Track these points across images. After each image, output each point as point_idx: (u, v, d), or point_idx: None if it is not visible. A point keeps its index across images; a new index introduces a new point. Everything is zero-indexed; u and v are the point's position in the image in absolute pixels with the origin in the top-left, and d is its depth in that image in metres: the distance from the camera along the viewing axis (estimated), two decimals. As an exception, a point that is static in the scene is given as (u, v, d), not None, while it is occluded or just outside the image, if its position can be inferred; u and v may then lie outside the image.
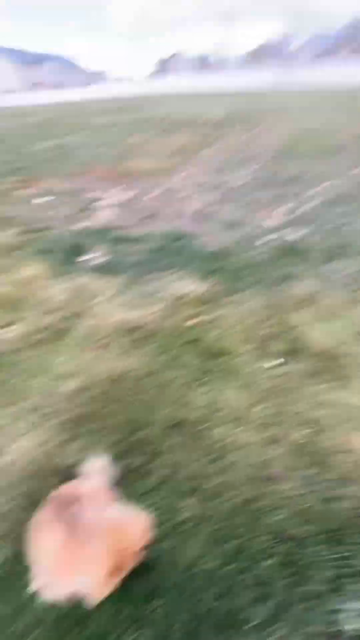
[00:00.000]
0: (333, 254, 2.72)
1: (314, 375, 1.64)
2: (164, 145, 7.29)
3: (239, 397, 1.54)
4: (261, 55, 55.07)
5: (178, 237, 3.17)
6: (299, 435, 1.38)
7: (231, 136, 7.92)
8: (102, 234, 3.36)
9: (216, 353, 1.78)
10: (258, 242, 3.01)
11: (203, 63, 58.29)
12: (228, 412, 1.49)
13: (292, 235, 3.09)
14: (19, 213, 4.06)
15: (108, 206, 4.10)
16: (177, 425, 1.44)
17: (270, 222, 3.40)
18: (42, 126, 12.46)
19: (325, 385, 1.58)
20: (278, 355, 1.76)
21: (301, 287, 2.31)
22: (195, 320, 2.02)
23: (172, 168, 5.53)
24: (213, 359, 1.76)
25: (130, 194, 4.50)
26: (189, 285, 2.37)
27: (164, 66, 58.30)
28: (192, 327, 1.97)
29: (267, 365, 1.70)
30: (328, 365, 1.69)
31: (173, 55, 59.26)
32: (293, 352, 1.78)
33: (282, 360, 1.72)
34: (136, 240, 3.19)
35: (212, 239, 3.15)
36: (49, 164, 6.34)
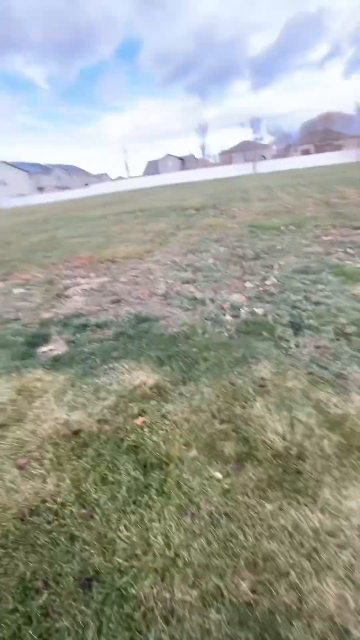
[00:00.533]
0: (296, 330, 2.62)
1: (271, 486, 1.36)
2: (143, 231, 7.92)
3: (172, 530, 1.24)
4: (232, 153, 64.94)
5: (141, 320, 3.13)
6: (246, 588, 1.05)
7: (205, 220, 8.67)
8: (67, 322, 3.33)
9: (156, 463, 1.52)
10: (221, 320, 2.95)
11: (187, 160, 68.34)
12: (157, 554, 1.17)
13: (256, 310, 3.04)
14: (-8, 305, 4.12)
15: (79, 293, 4.20)
16: (90, 581, 1.12)
17: (234, 298, 3.40)
18: (40, 222, 13.85)
19: (284, 502, 1.29)
20: (228, 460, 1.50)
21: (260, 369, 2.13)
22: (139, 421, 1.80)
23: (147, 252, 5.86)
24: (152, 471, 1.49)
25: (103, 279, 4.65)
26: (140, 377, 2.20)
27: (154, 166, 68.26)
28: (134, 430, 1.74)
29: (213, 474, 1.42)
30: (289, 471, 1.42)
31: (162, 157, 69.74)
32: (247, 455, 1.52)
33: (232, 466, 1.46)
34: (99, 326, 3.14)
35: (176, 320, 3.10)
36: (35, 255, 6.77)
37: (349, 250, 4.56)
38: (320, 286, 3.45)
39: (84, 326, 3.17)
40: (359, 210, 7.69)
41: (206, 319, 3.03)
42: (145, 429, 1.73)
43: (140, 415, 1.85)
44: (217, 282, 3.97)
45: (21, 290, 4.57)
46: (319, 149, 55.76)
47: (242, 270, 4.30)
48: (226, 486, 1.37)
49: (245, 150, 63.53)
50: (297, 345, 2.38)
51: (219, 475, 1.41)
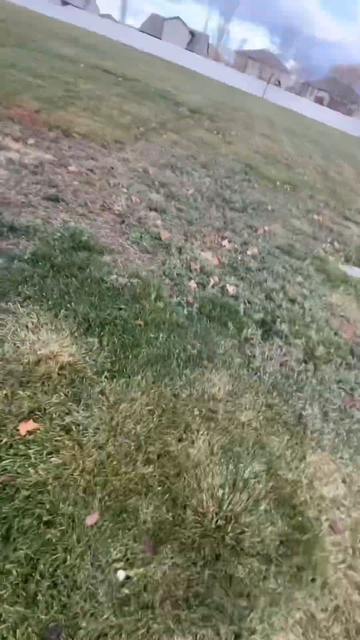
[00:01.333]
0: (265, 332, 2.14)
1: (186, 602, 0.95)
2: (120, 110, 6.02)
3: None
4: (249, 59, 54.94)
5: (78, 244, 2.22)
6: None
7: (197, 131, 7.06)
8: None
9: (33, 529, 0.96)
10: (184, 285, 2.27)
11: (197, 39, 55.39)
12: None
13: (227, 287, 2.43)
14: None
15: (2, 163, 2.86)
16: None
17: (206, 258, 2.69)
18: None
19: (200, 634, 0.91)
20: (141, 537, 1.03)
21: (215, 382, 1.64)
22: (24, 429, 1.15)
23: (116, 142, 4.42)
24: (16, 550, 0.93)
25: (43, 155, 3.29)
26: (51, 344, 1.48)
27: (156, 25, 53.61)
28: (9, 447, 1.10)
29: (113, 570, 0.94)
30: (217, 572, 1.03)
31: (170, 18, 54.90)
32: (168, 530, 1.07)
33: (144, 548, 1.00)
34: (12, 230, 2.12)
35: (127, 262, 2.30)
36: None
37: (336, 244, 4.11)
38: (299, 278, 2.97)
39: (-9, 222, 2.11)
40: (353, 196, 7.20)
41: (165, 276, 2.31)
42: (31, 450, 1.11)
43: (31, 417, 1.20)
44: (192, 225, 3.13)
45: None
46: (333, 104, 51.19)
47: (224, 220, 3.50)
48: (125, 593, 0.91)
49: (264, 63, 54.24)
50: (262, 357, 1.92)
51: (120, 575, 0.93)
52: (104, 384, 1.41)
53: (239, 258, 2.90)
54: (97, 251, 2.26)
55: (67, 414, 1.26)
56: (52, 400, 1.27)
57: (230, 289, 2.42)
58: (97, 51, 13.32)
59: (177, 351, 1.71)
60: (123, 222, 2.75)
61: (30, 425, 1.18)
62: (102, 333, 1.63)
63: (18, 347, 1.43)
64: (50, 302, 1.69)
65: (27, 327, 1.53)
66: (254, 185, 5.03)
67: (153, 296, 2.01)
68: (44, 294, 1.73)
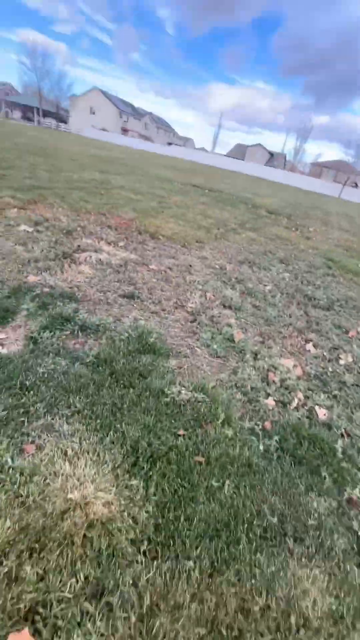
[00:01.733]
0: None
1: None
2: (203, 214, 6.70)
3: None
4: (324, 168, 60.23)
5: (142, 346, 2.06)
6: None
7: (274, 228, 7.31)
8: (48, 303, 2.31)
9: None
10: (259, 403, 1.84)
11: (276, 158, 64.14)
12: None
13: (317, 408, 1.90)
14: (-18, 235, 3.16)
15: (93, 263, 3.16)
16: None
17: (287, 366, 2.26)
18: (104, 161, 12.76)
19: None
20: None
21: (305, 586, 1.05)
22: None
23: (197, 242, 4.71)
24: None
25: (130, 255, 3.58)
26: (85, 484, 1.16)
27: (241, 150, 64.63)
28: None
29: None
30: None
31: (252, 145, 65.92)
32: None
33: None
34: (84, 329, 2.10)
35: (194, 367, 2.02)
36: (74, 193, 5.74)
37: None
38: None
39: (66, 320, 2.14)
40: None
41: (237, 388, 1.93)
42: None
43: (29, 621, 0.83)
44: (270, 325, 2.82)
45: (29, 229, 3.58)
46: None
47: (307, 319, 3.11)
48: None
49: (338, 170, 58.80)
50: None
51: None
52: (140, 566, 0.99)
53: (329, 368, 2.38)
54: (163, 354, 2.05)
55: (78, 624, 0.84)
56: (64, 593, 0.89)
57: (321, 413, 1.88)
58: (189, 173, 16.18)
59: (249, 515, 1.21)
60: (194, 320, 2.59)
61: (24, 638, 0.79)
62: (150, 473, 1.27)
63: (48, 483, 1.15)
64: (98, 421, 1.44)
65: (65, 453, 1.27)
66: (339, 280, 4.65)
67: (220, 419, 1.61)
68: (94, 408, 1.50)
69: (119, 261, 3.36)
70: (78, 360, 1.81)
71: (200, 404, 1.69)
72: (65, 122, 54.63)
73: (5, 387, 1.51)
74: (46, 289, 2.47)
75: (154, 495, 1.19)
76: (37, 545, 0.97)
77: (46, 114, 54.79)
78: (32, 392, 1.53)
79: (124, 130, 57.13)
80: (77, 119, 54.84)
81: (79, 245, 3.44)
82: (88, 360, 1.82)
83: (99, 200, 5.65)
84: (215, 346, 2.28)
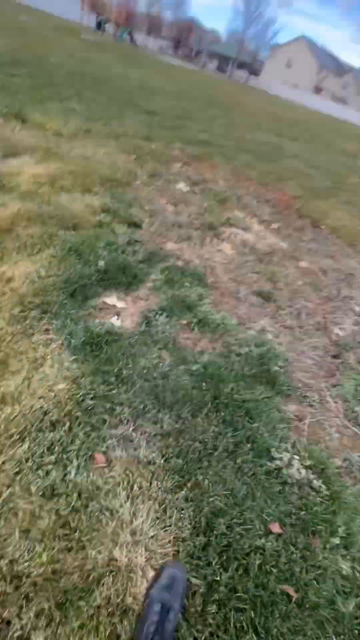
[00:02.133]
0: None
1: None
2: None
3: None
4: None
5: (259, 372, 1.61)
6: None
7: None
8: (175, 282, 2.07)
9: None
10: None
11: None
12: None
13: None
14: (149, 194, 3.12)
15: (235, 243, 2.75)
16: None
17: None
18: (284, 122, 11.44)
19: None
20: None
21: None
22: None
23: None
24: None
25: (280, 244, 2.99)
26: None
27: None
28: None
29: None
30: None
31: None
32: None
33: None
34: (200, 325, 1.79)
35: (316, 430, 1.49)
36: (238, 155, 5.23)
37: None
38: None
39: (187, 308, 1.87)
40: None
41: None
42: None
43: None
44: None
45: (185, 189, 3.38)
46: None
47: None
48: None
49: None
50: None
51: None
52: None
53: None
54: (283, 392, 1.58)
55: None
56: None
57: None
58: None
59: None
60: (338, 356, 1.95)
61: None
62: (217, 574, 0.92)
63: (100, 521, 0.95)
64: (180, 460, 1.15)
65: (132, 487, 1.04)
66: None
67: (337, 535, 1.10)
68: (181, 440, 1.21)
69: (266, 247, 2.84)
70: (184, 363, 1.54)
71: (313, 495, 1.19)
72: (257, 75, 51.69)
73: (102, 370, 1.37)
74: (179, 262, 2.24)
75: (212, 619, 0.85)
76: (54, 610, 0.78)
77: (241, 65, 52.85)
78: (125, 387, 1.34)
79: (317, 90, 50.28)
80: (269, 73, 51.10)
81: (228, 218, 3.05)
82: (194, 368, 1.52)
83: (265, 167, 5.00)
84: (357, 407, 1.64)
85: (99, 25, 24.50)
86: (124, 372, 1.40)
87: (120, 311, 1.73)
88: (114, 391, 1.32)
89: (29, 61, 6.23)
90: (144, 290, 1.93)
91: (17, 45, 7.37)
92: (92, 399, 1.26)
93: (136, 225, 2.47)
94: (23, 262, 1.73)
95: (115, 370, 1.39)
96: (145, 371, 1.43)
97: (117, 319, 1.68)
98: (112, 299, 1.77)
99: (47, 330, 1.45)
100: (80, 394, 1.25)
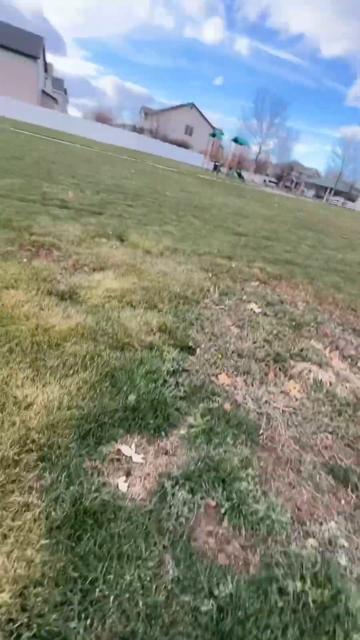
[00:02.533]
0: None
1: None
2: None
3: None
4: None
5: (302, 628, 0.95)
6: None
7: None
8: (216, 434, 1.67)
9: None
10: None
11: None
12: None
13: None
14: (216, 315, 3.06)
15: (305, 381, 2.25)
16: None
17: None
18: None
19: None
20: None
21: None
22: None
23: None
24: None
25: (345, 371, 2.35)
26: None
27: None
28: None
29: None
30: None
31: None
32: None
33: None
34: (234, 510, 1.27)
35: None
36: (324, 275, 4.98)
37: None
38: None
39: (221, 481, 1.40)
40: None
41: None
42: None
43: None
44: None
45: (257, 310, 3.19)
46: None
47: None
48: None
49: None
50: None
51: None
52: None
53: None
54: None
55: None
56: None
57: None
58: None
59: None
60: None
61: None
62: None
63: None
64: None
65: None
66: None
67: None
68: None
69: (349, 395, 2.25)
70: (192, 588, 1.02)
71: None
72: (353, 200, 55.43)
73: (69, 575, 0.97)
74: (227, 404, 1.86)
75: None
76: None
77: (337, 192, 57.91)
78: (88, 620, 0.90)
79: None
80: (367, 198, 54.15)
81: (301, 349, 2.64)
82: (204, 609, 0.98)
83: (355, 290, 4.59)
84: None
85: (215, 168, 30.97)
86: (98, 589, 0.97)
87: (133, 468, 1.38)
88: (70, 624, 0.88)
89: (148, 195, 7.84)
90: (173, 438, 1.57)
91: (143, 184, 9.54)
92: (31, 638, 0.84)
93: (190, 349, 2.28)
94: (51, 386, 1.63)
95: (87, 581, 0.97)
96: (128, 595, 0.97)
97: (125, 480, 1.32)
98: (129, 448, 1.46)
99: (31, 488, 1.18)
100: (20, 622, 0.86)
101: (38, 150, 10.66)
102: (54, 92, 44.92)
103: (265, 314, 3.15)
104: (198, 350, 2.27)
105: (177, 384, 1.89)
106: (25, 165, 7.45)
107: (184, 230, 5.42)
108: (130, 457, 1.43)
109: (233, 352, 2.38)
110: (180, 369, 2.02)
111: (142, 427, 1.57)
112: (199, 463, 1.45)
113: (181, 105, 51.62)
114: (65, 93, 57.15)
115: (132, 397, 1.66)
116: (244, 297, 3.40)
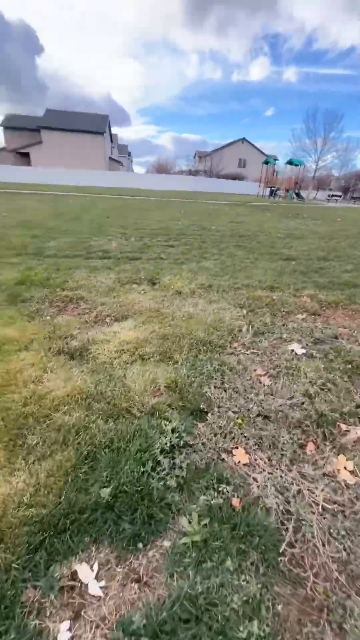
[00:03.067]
0: None
1: None
2: None
3: None
4: None
5: None
6: None
7: None
8: (221, 536, 1.22)
9: None
10: None
11: None
12: None
13: None
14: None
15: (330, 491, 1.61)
16: None
17: None
18: None
19: None
20: None
21: None
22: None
23: None
24: None
25: None
26: None
27: None
28: None
29: None
30: None
31: None
32: None
33: None
34: None
35: None
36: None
37: None
38: None
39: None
40: None
41: None
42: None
43: None
44: None
45: (300, 351, 2.62)
46: None
47: None
48: None
49: None
50: None
51: None
52: None
53: None
54: None
55: None
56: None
57: None
58: None
59: None
60: None
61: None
62: None
63: None
64: None
65: None
66: None
67: None
68: None
69: None
70: None
71: None
72: None
73: None
74: (235, 500, 1.38)
75: None
76: None
77: None
78: None
79: None
80: None
81: (358, 407, 1.99)
82: None
83: None
84: None
85: (271, 193, 30.51)
86: None
87: (86, 607, 1.03)
88: None
89: (191, 233, 7.86)
90: (152, 553, 1.18)
91: (190, 222, 9.69)
92: None
93: (201, 413, 1.88)
94: (19, 473, 1.42)
95: None
96: None
97: (69, 628, 0.98)
98: (90, 569, 1.12)
99: None
100: None
101: (97, 209, 11.88)
102: (119, 157, 51.51)
103: (310, 356, 2.55)
104: (210, 415, 1.86)
105: (172, 466, 1.50)
106: (81, 224, 8.26)
107: (224, 264, 5.12)
108: (87, 584, 1.08)
109: (258, 414, 1.89)
110: (182, 444, 1.63)
111: (114, 534, 1.22)
112: (177, 605, 1.02)
113: (232, 142, 53.75)
114: (129, 155, 65.08)
115: (105, 491, 1.34)
116: (284, 335, 2.86)
